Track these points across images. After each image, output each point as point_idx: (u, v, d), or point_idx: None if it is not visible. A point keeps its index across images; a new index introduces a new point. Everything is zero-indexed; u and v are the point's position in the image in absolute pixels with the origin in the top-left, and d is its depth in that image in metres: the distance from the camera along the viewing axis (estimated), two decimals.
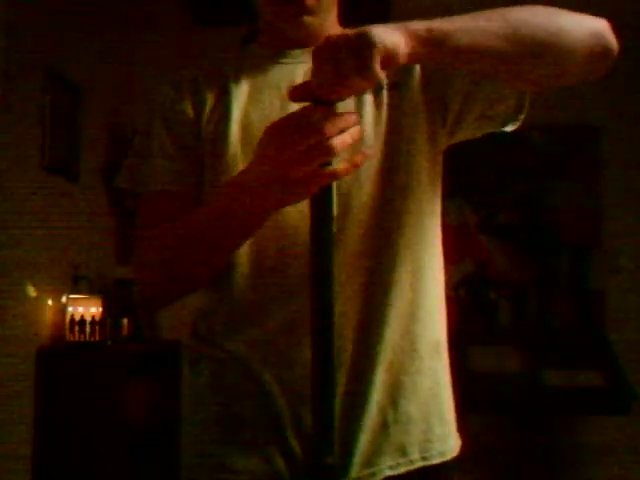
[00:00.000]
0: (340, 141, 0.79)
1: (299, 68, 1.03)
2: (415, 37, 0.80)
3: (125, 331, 3.27)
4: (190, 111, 1.04)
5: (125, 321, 3.29)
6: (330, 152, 0.78)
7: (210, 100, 1.04)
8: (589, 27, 0.89)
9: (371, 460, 0.97)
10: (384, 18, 0.86)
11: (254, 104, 1.03)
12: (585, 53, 0.88)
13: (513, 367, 3.35)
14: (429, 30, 0.81)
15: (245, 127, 1.01)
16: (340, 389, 0.94)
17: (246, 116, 1.02)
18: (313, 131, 0.78)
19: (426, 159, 1.02)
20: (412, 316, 1.00)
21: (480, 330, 3.83)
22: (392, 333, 0.98)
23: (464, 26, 0.83)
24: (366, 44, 0.76)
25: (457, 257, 3.88)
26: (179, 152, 1.04)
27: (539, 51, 0.86)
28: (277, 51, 1.06)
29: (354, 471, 0.95)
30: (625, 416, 3.26)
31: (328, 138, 0.78)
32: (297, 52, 1.05)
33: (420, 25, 0.81)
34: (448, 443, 1.04)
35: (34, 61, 2.83)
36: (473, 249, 3.90)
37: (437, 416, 1.02)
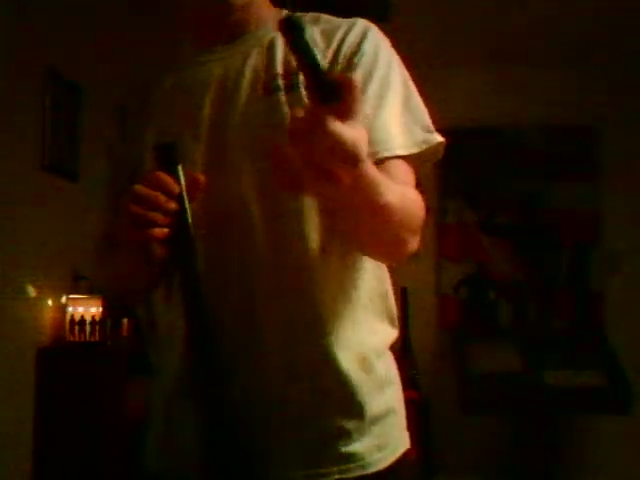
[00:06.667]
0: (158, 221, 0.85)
1: (216, 67, 1.03)
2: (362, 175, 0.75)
3: (125, 331, 3.27)
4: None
5: (125, 321, 3.29)
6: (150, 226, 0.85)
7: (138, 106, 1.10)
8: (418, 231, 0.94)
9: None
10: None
11: (169, 111, 1.05)
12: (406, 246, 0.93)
13: (513, 367, 3.36)
14: (372, 178, 0.78)
15: (159, 136, 1.01)
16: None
17: (160, 124, 1.05)
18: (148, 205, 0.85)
19: None
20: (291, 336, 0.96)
21: (480, 330, 3.84)
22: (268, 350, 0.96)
23: (385, 197, 0.82)
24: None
25: (457, 257, 3.88)
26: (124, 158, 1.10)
27: (395, 238, 0.91)
28: (198, 50, 1.08)
29: None
30: (625, 415, 3.26)
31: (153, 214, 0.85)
32: (219, 49, 1.06)
33: (371, 170, 0.77)
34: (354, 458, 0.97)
35: (34, 61, 2.83)
36: (473, 249, 3.90)
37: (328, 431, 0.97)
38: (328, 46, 1.00)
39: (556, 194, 3.87)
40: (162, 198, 0.85)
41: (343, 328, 0.97)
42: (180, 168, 0.88)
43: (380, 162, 0.91)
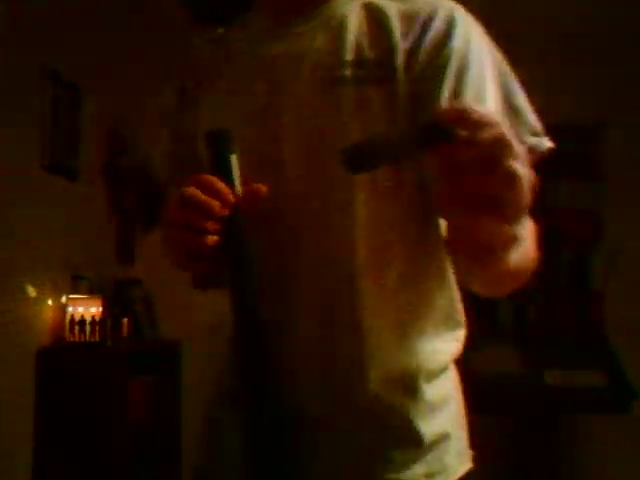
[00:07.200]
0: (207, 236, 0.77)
1: (276, 46, 0.92)
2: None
3: (125, 331, 3.28)
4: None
5: (125, 321, 3.29)
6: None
7: (193, 89, 1.01)
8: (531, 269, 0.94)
9: None
10: None
11: (223, 89, 0.96)
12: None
13: (513, 367, 3.35)
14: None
15: (211, 115, 0.95)
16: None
17: (213, 103, 0.96)
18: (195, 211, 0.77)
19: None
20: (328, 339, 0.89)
21: (480, 330, 3.83)
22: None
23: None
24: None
25: None
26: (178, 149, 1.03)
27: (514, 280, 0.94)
28: (265, 26, 0.96)
29: None
30: (625, 415, 3.26)
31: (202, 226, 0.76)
32: (282, 25, 0.94)
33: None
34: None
35: (34, 61, 2.83)
36: None
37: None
38: (409, 30, 0.87)
39: (556, 194, 3.87)
40: (216, 206, 0.76)
41: (386, 352, 0.89)
42: (234, 158, 0.80)
43: None
